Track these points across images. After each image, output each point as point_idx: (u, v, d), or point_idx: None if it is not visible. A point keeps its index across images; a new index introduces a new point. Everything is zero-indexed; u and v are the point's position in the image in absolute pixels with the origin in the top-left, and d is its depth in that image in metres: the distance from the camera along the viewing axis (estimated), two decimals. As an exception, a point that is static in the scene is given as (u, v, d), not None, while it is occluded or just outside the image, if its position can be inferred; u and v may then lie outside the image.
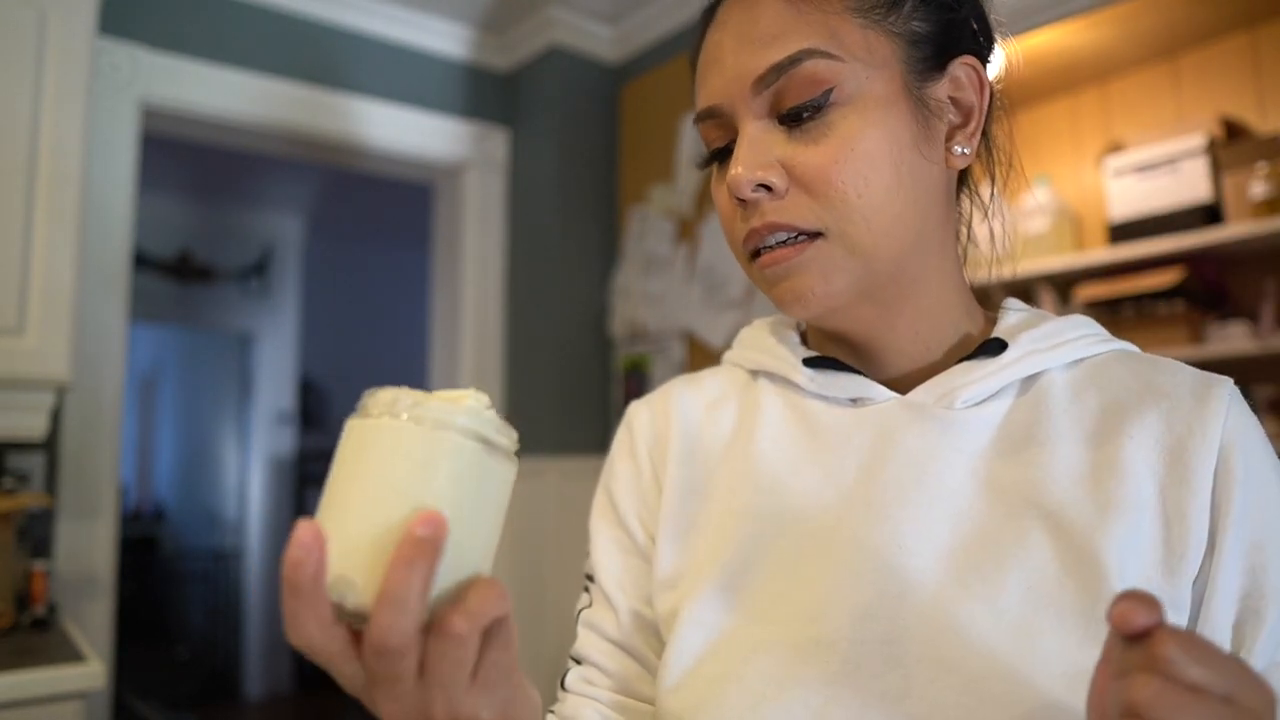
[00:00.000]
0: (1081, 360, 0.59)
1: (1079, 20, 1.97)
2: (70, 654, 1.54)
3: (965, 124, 0.58)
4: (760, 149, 0.55)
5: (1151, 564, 0.51)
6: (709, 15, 0.61)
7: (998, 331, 0.60)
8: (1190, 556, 0.51)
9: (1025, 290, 2.53)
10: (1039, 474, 0.54)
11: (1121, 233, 2.37)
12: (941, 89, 0.57)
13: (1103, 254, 2.39)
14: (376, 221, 5.00)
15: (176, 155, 3.50)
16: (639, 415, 0.70)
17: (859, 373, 0.61)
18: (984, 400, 0.57)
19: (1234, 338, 2.18)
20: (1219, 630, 0.50)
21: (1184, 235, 2.22)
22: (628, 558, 0.65)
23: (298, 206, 4.85)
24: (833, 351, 0.64)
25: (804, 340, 0.67)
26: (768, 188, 0.55)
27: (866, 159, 0.53)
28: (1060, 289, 2.53)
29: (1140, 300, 2.30)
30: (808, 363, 0.63)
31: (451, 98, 2.69)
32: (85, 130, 1.76)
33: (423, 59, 2.64)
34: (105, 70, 2.08)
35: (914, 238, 0.57)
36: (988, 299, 0.66)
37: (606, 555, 0.66)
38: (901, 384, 0.61)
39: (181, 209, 4.61)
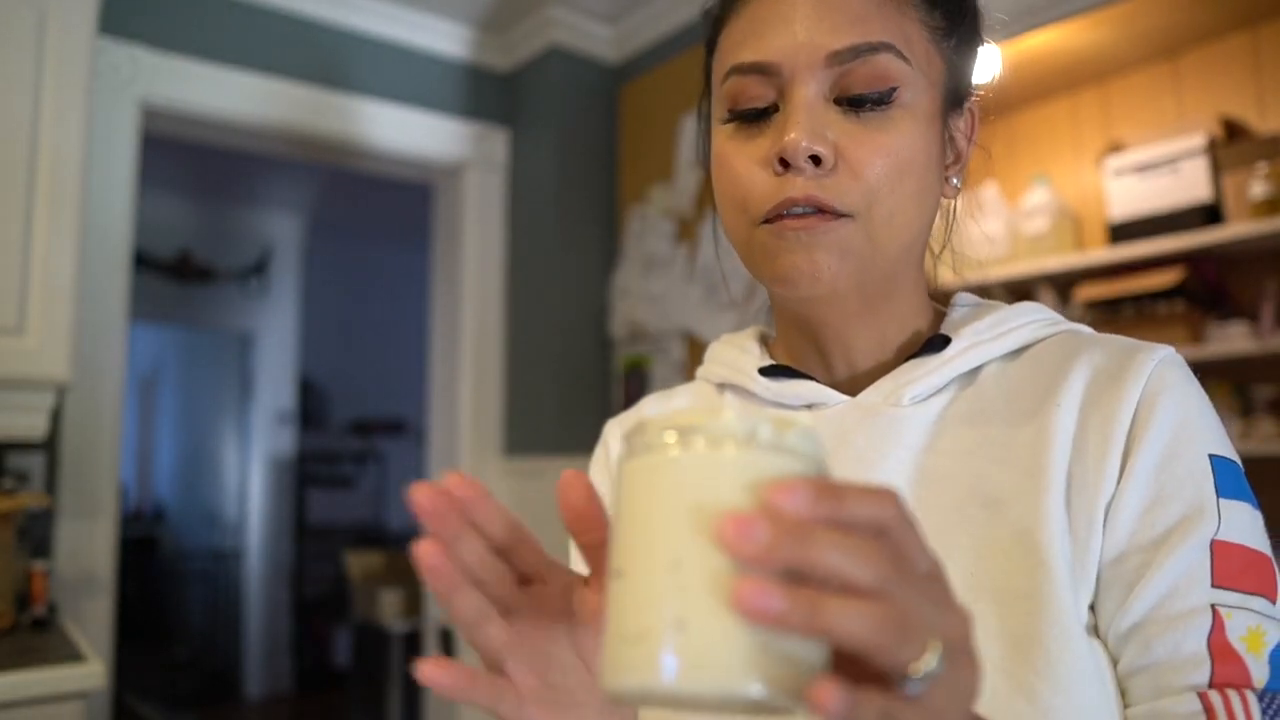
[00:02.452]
0: (1026, 347, 0.60)
1: (1079, 20, 1.97)
2: (70, 654, 1.54)
3: (957, 161, 0.62)
4: (819, 120, 0.55)
5: (1064, 531, 0.52)
6: None
7: (944, 327, 0.62)
8: (1097, 517, 0.51)
9: (1025, 290, 2.53)
10: (977, 463, 0.55)
11: (1121, 233, 2.37)
12: (955, 123, 0.61)
13: (1103, 254, 2.39)
14: (376, 221, 5.00)
15: (176, 155, 3.50)
16: (613, 433, 0.73)
17: (812, 378, 0.63)
18: (930, 395, 0.59)
19: (1234, 338, 2.18)
20: (1116, 584, 0.50)
21: (1184, 235, 2.22)
22: None
23: (298, 206, 4.85)
24: (797, 354, 0.66)
25: (768, 351, 0.70)
26: (816, 160, 0.55)
27: (907, 163, 0.56)
28: (1060, 289, 2.53)
29: (1140, 300, 2.30)
30: (764, 371, 0.65)
31: (451, 98, 2.69)
32: (85, 130, 1.76)
33: (423, 59, 2.63)
34: (105, 70, 2.08)
35: (911, 244, 0.59)
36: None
37: (578, 562, 0.67)
38: (856, 383, 0.63)
39: (181, 209, 4.61)
